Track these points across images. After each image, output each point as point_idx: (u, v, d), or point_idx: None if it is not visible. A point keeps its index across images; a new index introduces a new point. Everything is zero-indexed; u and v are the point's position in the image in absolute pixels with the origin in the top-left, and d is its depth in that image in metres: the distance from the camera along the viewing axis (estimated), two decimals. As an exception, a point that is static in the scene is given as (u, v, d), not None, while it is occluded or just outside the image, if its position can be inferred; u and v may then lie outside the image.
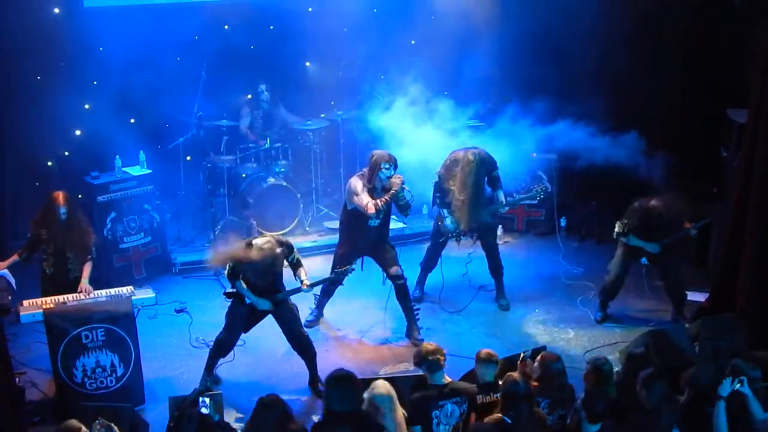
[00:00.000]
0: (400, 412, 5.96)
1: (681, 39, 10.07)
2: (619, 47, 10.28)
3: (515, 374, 6.00)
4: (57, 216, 7.73)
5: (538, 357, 6.45)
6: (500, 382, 5.96)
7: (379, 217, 8.17)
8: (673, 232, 8.34)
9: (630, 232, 8.35)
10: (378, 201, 8.03)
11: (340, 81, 11.25)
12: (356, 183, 8.14)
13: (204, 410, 5.95)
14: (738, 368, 5.98)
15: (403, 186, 8.04)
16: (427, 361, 6.20)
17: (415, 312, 8.49)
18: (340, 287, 8.59)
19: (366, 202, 8.03)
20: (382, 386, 5.95)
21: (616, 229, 8.42)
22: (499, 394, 5.99)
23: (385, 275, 8.37)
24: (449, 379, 6.37)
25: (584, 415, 5.79)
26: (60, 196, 7.78)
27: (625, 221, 8.37)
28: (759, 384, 6.06)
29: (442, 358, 6.23)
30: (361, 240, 8.27)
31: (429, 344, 6.39)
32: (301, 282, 7.59)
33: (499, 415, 5.71)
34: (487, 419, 5.78)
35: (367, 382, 6.07)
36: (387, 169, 8.04)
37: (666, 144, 9.00)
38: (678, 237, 8.36)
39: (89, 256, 7.84)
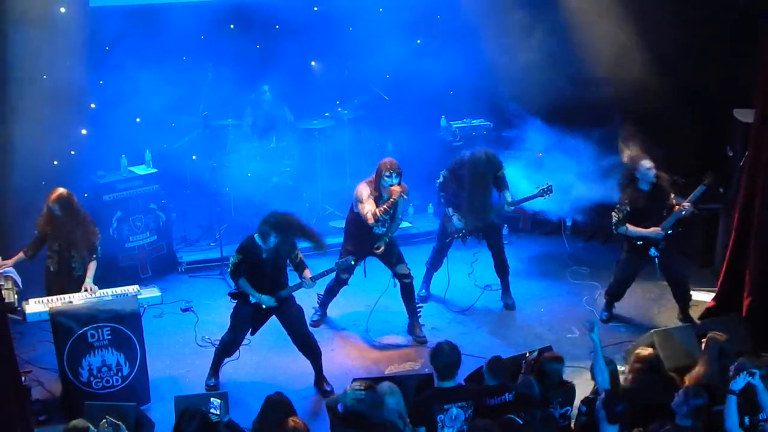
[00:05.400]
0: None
1: (687, 38, 10.04)
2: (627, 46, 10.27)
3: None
4: (52, 213, 7.67)
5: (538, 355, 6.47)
6: (510, 383, 5.97)
7: (384, 226, 8.16)
8: (666, 213, 8.26)
9: (626, 220, 8.28)
10: (376, 210, 8.00)
11: (345, 80, 11.25)
12: (363, 189, 8.12)
13: (214, 411, 5.95)
14: (743, 367, 5.95)
15: (403, 195, 7.98)
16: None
17: (418, 310, 8.49)
18: (344, 287, 8.59)
19: (366, 211, 8.01)
20: (386, 384, 5.96)
21: (613, 219, 8.38)
22: (505, 397, 5.99)
23: (392, 275, 8.37)
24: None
25: (603, 415, 5.76)
26: (54, 192, 7.68)
27: (618, 206, 8.32)
28: None
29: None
30: (367, 241, 8.25)
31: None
32: (304, 278, 7.56)
33: (511, 415, 5.71)
34: (498, 420, 5.75)
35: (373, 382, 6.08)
36: (388, 177, 7.98)
37: (672, 143, 8.96)
38: (678, 219, 8.26)
39: (93, 256, 7.77)
